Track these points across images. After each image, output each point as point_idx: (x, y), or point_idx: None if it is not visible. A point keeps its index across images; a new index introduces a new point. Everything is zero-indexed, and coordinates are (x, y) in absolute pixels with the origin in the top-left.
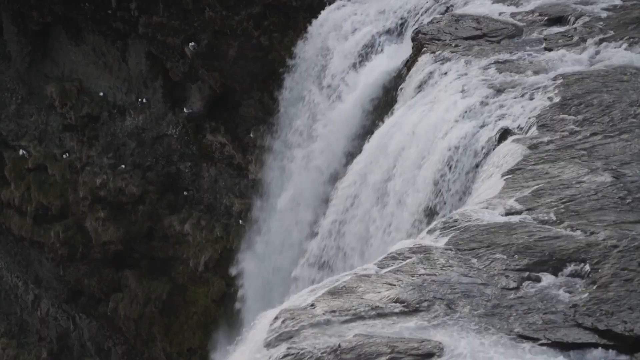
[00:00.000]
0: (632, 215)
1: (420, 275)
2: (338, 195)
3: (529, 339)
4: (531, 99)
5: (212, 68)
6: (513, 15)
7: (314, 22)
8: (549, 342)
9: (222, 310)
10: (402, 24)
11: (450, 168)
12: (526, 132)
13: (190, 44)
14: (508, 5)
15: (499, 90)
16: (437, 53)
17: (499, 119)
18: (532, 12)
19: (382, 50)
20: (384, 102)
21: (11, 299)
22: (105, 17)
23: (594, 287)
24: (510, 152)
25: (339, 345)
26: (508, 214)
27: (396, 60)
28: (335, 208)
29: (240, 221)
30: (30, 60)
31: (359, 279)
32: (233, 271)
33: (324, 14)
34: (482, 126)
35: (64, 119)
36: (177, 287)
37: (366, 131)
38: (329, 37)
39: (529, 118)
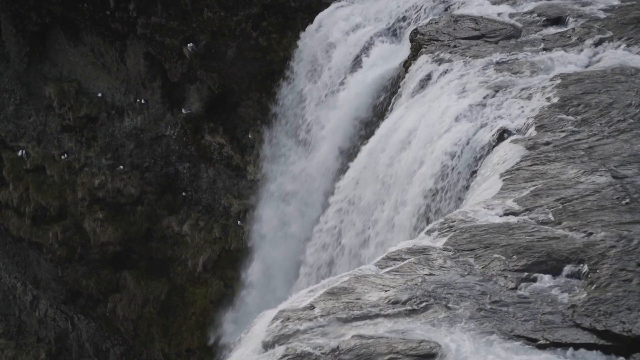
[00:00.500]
0: (630, 215)
1: (418, 275)
2: (307, 262)
3: (528, 340)
4: (529, 99)
5: (211, 69)
6: (511, 15)
7: (295, 53)
8: (548, 342)
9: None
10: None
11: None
12: (525, 133)
13: (188, 44)
14: (507, 6)
15: (497, 91)
16: (436, 54)
17: (498, 120)
18: (531, 12)
19: (360, 68)
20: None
21: (9, 300)
22: (103, 18)
23: (592, 288)
24: (508, 153)
25: (338, 346)
26: (506, 214)
27: (366, 94)
28: (307, 279)
29: (239, 222)
30: (29, 61)
31: (357, 280)
32: (211, 338)
33: (302, 39)
34: (481, 127)
35: (63, 119)
36: (176, 287)
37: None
38: (303, 74)
39: (528, 118)
